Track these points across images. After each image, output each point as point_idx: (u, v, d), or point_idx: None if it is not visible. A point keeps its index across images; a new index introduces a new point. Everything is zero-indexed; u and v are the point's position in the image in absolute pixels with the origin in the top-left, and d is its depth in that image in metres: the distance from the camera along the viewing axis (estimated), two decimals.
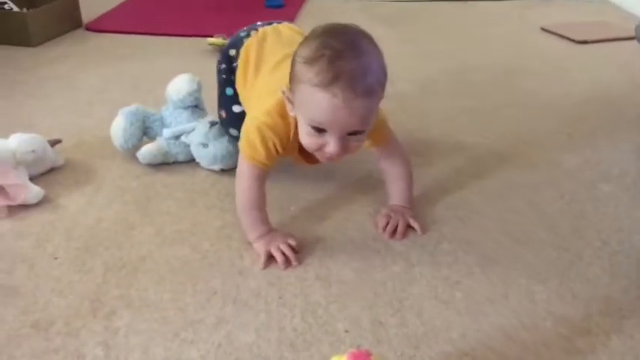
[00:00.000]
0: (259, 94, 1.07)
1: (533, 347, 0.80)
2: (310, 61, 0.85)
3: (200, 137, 1.22)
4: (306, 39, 0.89)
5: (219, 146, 1.21)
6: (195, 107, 1.29)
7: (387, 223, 1.04)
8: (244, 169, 1.01)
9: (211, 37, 2.05)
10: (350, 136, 0.89)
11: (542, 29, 2.31)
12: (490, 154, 1.33)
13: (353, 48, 0.85)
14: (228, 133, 1.22)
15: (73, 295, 0.89)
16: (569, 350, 0.80)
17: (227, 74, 1.19)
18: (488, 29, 2.35)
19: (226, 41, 1.97)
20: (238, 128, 1.05)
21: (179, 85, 1.27)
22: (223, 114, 1.22)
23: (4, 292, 0.89)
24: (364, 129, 0.89)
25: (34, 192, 1.11)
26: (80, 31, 2.26)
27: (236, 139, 1.17)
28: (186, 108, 1.27)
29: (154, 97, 1.50)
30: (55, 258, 0.97)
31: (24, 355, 0.78)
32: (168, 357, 0.78)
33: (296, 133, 0.96)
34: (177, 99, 1.26)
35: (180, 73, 1.30)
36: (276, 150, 0.98)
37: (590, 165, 1.29)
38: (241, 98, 1.17)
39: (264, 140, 0.97)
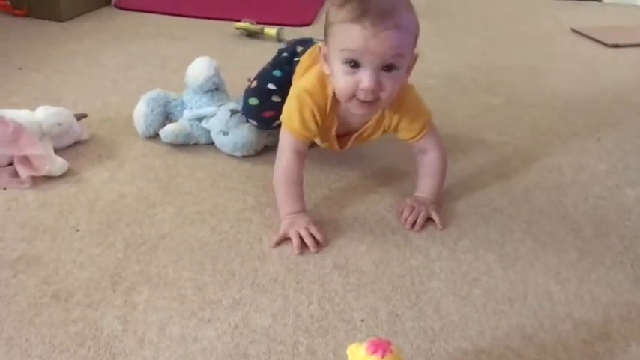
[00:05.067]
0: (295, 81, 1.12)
1: (551, 349, 0.79)
2: (342, 3, 0.90)
3: (220, 125, 1.21)
4: None
5: (239, 134, 1.20)
6: (216, 90, 1.27)
7: (410, 214, 1.04)
8: (283, 141, 1.04)
9: (239, 21, 2.05)
10: (384, 72, 0.90)
11: (573, 30, 2.28)
12: (516, 154, 1.31)
13: None
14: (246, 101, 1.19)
15: (94, 268, 0.89)
16: (588, 354, 0.79)
17: (286, 59, 1.21)
18: (519, 27, 2.32)
19: (254, 26, 2.00)
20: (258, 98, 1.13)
21: (196, 71, 1.25)
22: (254, 84, 1.20)
23: (27, 260, 0.90)
24: (397, 62, 0.91)
25: (58, 164, 1.12)
26: (109, 9, 2.28)
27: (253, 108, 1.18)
28: (205, 92, 1.26)
29: (179, 78, 1.49)
30: (77, 230, 0.98)
31: (43, 323, 0.79)
32: (185, 335, 0.78)
33: (333, 106, 1.01)
34: (195, 85, 1.25)
35: (205, 56, 1.28)
36: (314, 119, 1.01)
37: (617, 170, 1.27)
38: None
39: (300, 107, 1.00)
